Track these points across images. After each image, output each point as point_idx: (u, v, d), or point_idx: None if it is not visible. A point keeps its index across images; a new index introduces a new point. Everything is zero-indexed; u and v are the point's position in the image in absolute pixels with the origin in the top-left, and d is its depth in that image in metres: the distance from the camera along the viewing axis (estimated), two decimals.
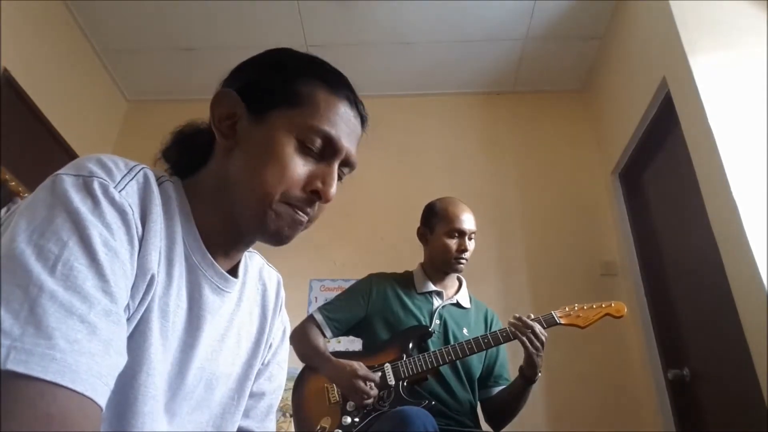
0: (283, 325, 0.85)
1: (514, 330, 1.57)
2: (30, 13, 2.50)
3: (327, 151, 0.67)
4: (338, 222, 2.87)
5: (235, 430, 0.75)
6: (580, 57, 3.02)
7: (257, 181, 0.64)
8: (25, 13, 2.46)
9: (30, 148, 2.50)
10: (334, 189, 0.67)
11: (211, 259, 0.68)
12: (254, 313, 0.79)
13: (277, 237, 0.67)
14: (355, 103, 0.72)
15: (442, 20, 2.79)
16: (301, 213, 0.66)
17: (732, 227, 1.72)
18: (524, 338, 1.54)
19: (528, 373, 1.57)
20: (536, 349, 1.54)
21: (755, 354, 1.63)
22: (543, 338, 1.55)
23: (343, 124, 0.68)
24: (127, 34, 2.89)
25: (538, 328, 1.55)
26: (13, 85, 2.36)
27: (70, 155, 2.70)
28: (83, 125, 2.87)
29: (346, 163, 0.71)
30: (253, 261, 0.81)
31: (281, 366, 0.85)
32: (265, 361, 0.81)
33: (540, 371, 1.57)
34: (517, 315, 1.59)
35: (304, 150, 0.66)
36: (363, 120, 0.74)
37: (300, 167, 0.65)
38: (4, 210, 0.59)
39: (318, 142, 0.66)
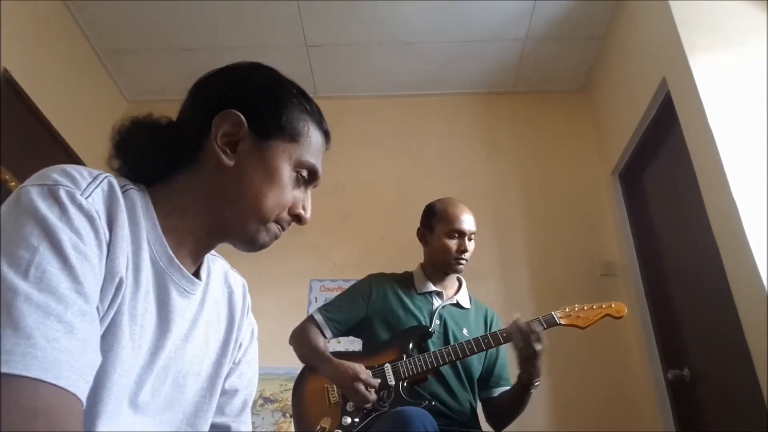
0: (251, 327, 0.88)
1: (507, 334, 1.55)
2: (30, 13, 2.50)
3: (308, 180, 0.77)
4: (338, 222, 2.88)
5: (208, 427, 0.77)
6: (580, 57, 3.02)
7: (259, 203, 0.71)
8: (25, 13, 2.46)
9: (30, 148, 2.50)
10: (310, 213, 0.78)
11: (178, 263, 0.70)
12: (221, 314, 0.81)
13: (261, 248, 0.75)
14: (329, 134, 0.81)
15: (442, 20, 2.79)
16: (281, 231, 0.76)
17: (732, 227, 1.72)
18: (519, 344, 1.52)
19: (524, 379, 1.55)
20: (529, 356, 1.50)
21: (755, 354, 1.63)
22: (536, 348, 1.49)
23: (321, 156, 0.78)
24: (127, 34, 2.89)
25: (534, 336, 1.50)
26: (13, 85, 2.36)
27: (70, 155, 2.70)
28: (83, 125, 2.87)
29: (315, 186, 0.81)
30: (216, 265, 0.83)
31: (251, 364, 0.88)
32: (236, 360, 0.83)
33: (537, 378, 1.54)
34: (518, 317, 1.56)
35: (295, 180, 0.75)
36: (327, 146, 0.83)
37: (291, 196, 0.74)
38: None
39: (306, 174, 0.76)
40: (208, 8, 2.73)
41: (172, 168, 0.72)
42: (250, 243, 0.73)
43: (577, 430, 2.37)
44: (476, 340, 1.59)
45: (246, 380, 0.85)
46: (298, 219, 0.76)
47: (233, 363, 0.83)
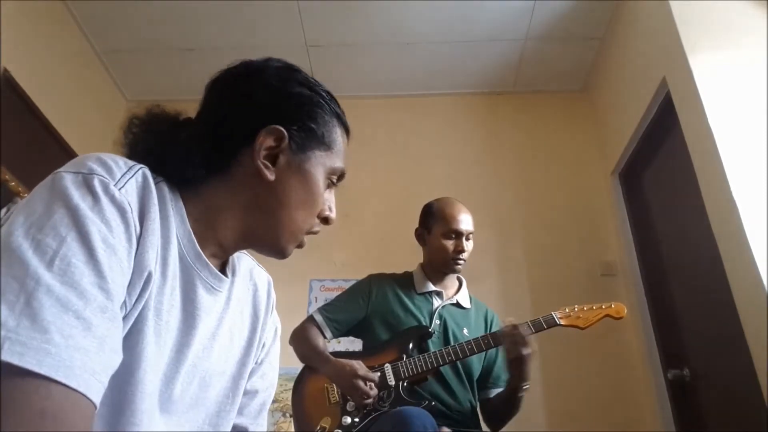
0: (274, 325, 0.87)
1: (498, 337, 1.55)
2: (30, 13, 2.50)
3: (336, 183, 0.78)
4: (338, 222, 2.84)
5: (230, 427, 0.76)
6: (580, 57, 3.02)
7: (295, 217, 0.72)
8: (25, 13, 2.46)
9: (30, 148, 2.49)
10: (335, 212, 0.78)
11: (206, 259, 0.69)
12: (246, 313, 0.80)
13: (284, 255, 0.75)
14: (350, 130, 0.81)
15: (442, 20, 2.79)
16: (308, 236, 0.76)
17: (732, 227, 1.72)
18: (508, 346, 1.52)
19: (512, 383, 1.56)
20: (517, 359, 1.50)
21: (755, 354, 1.63)
22: (524, 352, 1.49)
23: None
24: (127, 34, 2.89)
25: (524, 338, 1.50)
26: (13, 85, 2.36)
27: (70, 155, 2.70)
28: (83, 125, 2.87)
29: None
30: (243, 262, 0.82)
31: (273, 365, 0.86)
32: (259, 360, 0.82)
33: (525, 382, 1.54)
34: (510, 320, 1.56)
35: (328, 186, 0.76)
36: None
37: (323, 201, 0.75)
38: (4, 210, 0.59)
39: (336, 179, 0.77)
40: (208, 8, 2.73)
41: (204, 173, 0.70)
42: (280, 254, 0.74)
43: (577, 430, 2.37)
44: (476, 340, 1.59)
45: (267, 382, 0.84)
46: (326, 221, 0.77)
47: (256, 363, 0.82)
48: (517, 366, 1.52)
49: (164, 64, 3.08)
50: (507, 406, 1.62)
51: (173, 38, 2.92)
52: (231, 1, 2.69)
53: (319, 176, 0.73)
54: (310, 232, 0.75)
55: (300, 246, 0.75)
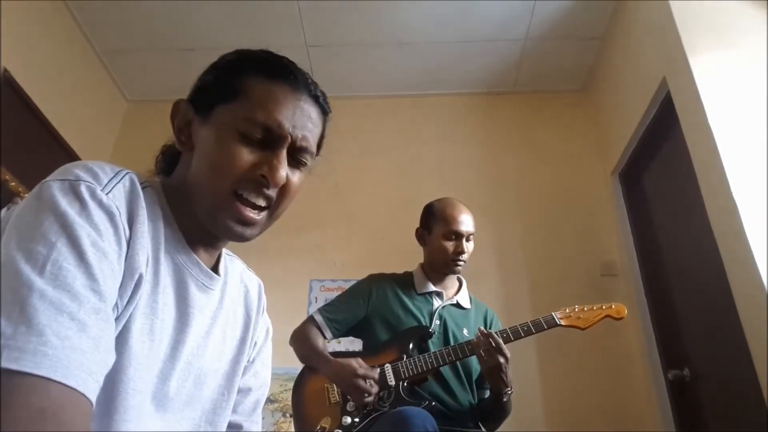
0: (266, 326, 0.89)
1: (475, 342, 1.54)
2: (30, 13, 2.50)
3: (271, 139, 0.67)
4: (338, 222, 2.88)
5: (226, 425, 0.78)
6: (580, 57, 3.02)
7: (207, 180, 0.67)
8: (25, 13, 2.46)
9: (30, 148, 2.50)
10: (281, 173, 0.66)
11: (196, 258, 0.70)
12: (238, 313, 0.82)
13: (230, 234, 0.68)
14: (304, 86, 0.71)
15: (442, 20, 2.79)
16: (251, 210, 0.67)
17: (732, 227, 1.72)
18: (481, 352, 1.52)
19: (493, 390, 1.57)
20: (492, 368, 1.51)
21: (755, 354, 1.63)
22: (498, 361, 1.49)
23: (285, 110, 0.68)
24: (127, 34, 2.89)
25: (499, 346, 1.50)
26: (13, 85, 2.36)
27: (70, 155, 2.70)
28: (83, 125, 2.87)
29: (301, 149, 0.70)
30: (234, 264, 0.84)
31: (265, 364, 0.88)
32: (251, 359, 0.84)
33: (507, 388, 1.54)
34: (485, 330, 1.55)
35: (247, 141, 0.66)
36: (318, 101, 0.72)
37: (244, 157, 0.66)
38: (4, 210, 0.59)
39: (258, 132, 0.66)
40: (208, 8, 2.73)
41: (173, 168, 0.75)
42: (217, 228, 0.68)
43: (577, 429, 2.37)
44: None
45: (260, 380, 0.86)
46: (264, 180, 0.66)
47: (248, 361, 0.83)
48: (495, 374, 1.52)
49: (164, 64, 3.08)
50: (493, 411, 1.63)
51: (173, 38, 2.92)
52: (231, 1, 2.69)
53: (222, 131, 0.66)
54: (241, 196, 0.66)
55: (242, 220, 0.67)
